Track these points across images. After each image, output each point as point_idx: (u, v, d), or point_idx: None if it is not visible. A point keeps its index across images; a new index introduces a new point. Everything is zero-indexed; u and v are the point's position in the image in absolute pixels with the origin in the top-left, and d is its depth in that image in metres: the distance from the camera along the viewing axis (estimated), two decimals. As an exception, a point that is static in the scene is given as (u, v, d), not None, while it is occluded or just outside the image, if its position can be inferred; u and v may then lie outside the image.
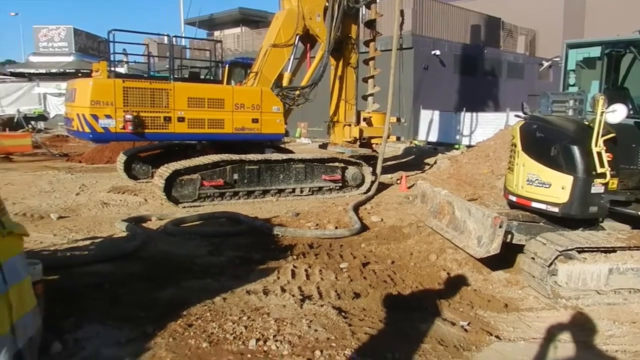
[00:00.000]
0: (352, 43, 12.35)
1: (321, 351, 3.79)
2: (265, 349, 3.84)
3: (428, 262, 6.39)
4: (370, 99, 13.02)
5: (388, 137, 12.14)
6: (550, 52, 30.68)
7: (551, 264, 5.12)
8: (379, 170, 11.61)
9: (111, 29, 10.41)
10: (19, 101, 34.17)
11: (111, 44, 10.51)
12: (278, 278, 5.59)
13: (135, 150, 12.74)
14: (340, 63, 12.49)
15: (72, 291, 4.84)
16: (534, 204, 6.02)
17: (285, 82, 11.59)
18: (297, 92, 11.58)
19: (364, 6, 12.48)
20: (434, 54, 26.31)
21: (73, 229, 7.60)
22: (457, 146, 21.58)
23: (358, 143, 12.45)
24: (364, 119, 12.81)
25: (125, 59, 13.77)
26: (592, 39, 7.17)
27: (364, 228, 8.14)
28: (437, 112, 24.56)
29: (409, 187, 11.36)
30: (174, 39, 12.15)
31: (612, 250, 5.24)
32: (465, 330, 4.45)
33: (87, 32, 41.60)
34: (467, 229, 5.91)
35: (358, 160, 11.63)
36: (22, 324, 1.30)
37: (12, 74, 38.51)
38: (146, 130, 9.83)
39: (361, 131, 12.39)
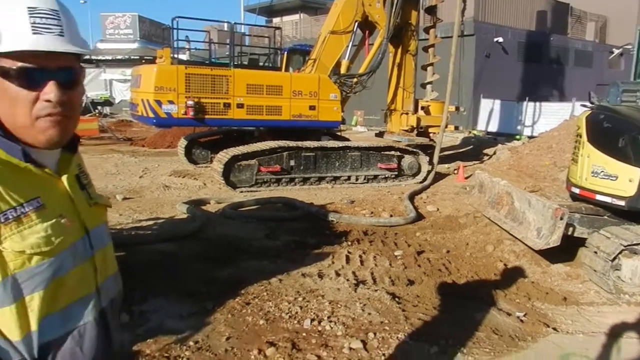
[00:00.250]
0: (411, 30, 12.19)
1: (374, 334, 3.85)
2: (320, 328, 3.93)
3: (484, 252, 6.30)
4: (428, 87, 12.84)
5: (446, 127, 11.96)
6: (622, 39, 28.99)
7: (615, 258, 4.95)
8: (435, 159, 11.47)
9: (175, 17, 10.72)
10: (87, 87, 35.22)
11: (174, 31, 10.83)
12: (332, 262, 5.67)
13: (195, 135, 13.11)
14: (399, 50, 12.36)
15: (138, 267, 5.10)
16: (599, 197, 5.79)
17: (343, 70, 11.59)
18: (355, 80, 11.56)
19: (425, -8, 12.29)
20: (497, 41, 25.50)
21: (137, 210, 7.94)
22: (518, 137, 20.93)
23: (415, 132, 12.33)
24: (422, 108, 12.65)
25: (187, 46, 14.12)
26: (669, 24, 6.78)
27: (419, 217, 8.09)
28: (498, 101, 23.85)
29: (466, 178, 11.17)
30: (234, 26, 12.37)
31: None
32: (521, 321, 4.38)
33: (151, 20, 42.79)
34: (527, 220, 5.78)
35: (415, 149, 11.52)
36: (105, 286, 1.40)
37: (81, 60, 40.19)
38: (206, 116, 10.10)
39: (419, 120, 12.25)
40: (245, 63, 13.08)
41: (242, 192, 9.66)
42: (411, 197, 9.28)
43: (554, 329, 4.28)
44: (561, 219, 5.16)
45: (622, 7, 33.15)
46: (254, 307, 4.28)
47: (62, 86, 1.22)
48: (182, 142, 12.75)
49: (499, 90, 24.41)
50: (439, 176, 11.60)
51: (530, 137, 18.65)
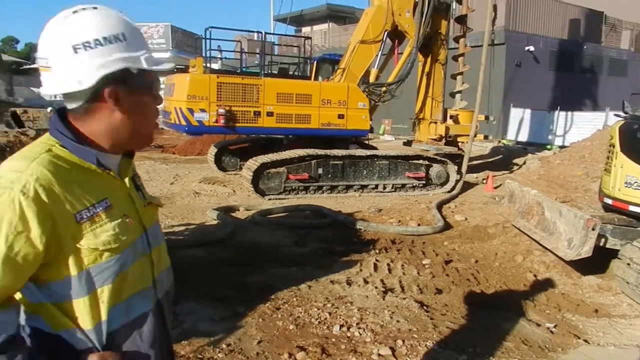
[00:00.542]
0: (441, 39, 12.18)
1: (403, 341, 3.88)
2: (349, 334, 3.99)
3: (514, 263, 6.26)
4: (458, 96, 12.80)
5: (475, 136, 11.89)
6: (659, 48, 28.47)
7: (648, 270, 4.87)
8: (464, 169, 11.41)
9: (208, 27, 10.96)
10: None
11: (207, 41, 11.06)
12: (361, 270, 5.72)
13: (225, 143, 13.32)
14: (429, 59, 12.36)
15: (170, 271, 5.22)
16: (632, 208, 5.71)
17: (372, 79, 11.65)
18: (384, 89, 11.60)
19: (455, 1, 12.27)
20: (528, 49, 25.21)
21: (169, 216, 8.12)
22: (549, 146, 20.61)
23: (444, 141, 12.28)
24: (451, 117, 12.60)
25: (219, 56, 14.38)
26: None
27: (447, 226, 8.07)
28: (528, 111, 23.53)
29: (495, 187, 11.08)
30: (264, 35, 12.57)
31: None
32: (551, 332, 4.35)
33: (183, 30, 43.65)
34: (557, 231, 5.73)
35: (443, 159, 11.49)
36: (160, 279, 1.53)
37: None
38: (237, 124, 10.28)
39: (447, 129, 12.21)
40: (275, 72, 13.26)
41: (270, 199, 9.78)
42: (439, 207, 9.25)
43: (585, 340, 4.24)
44: (593, 229, 5.11)
45: (659, 15, 32.41)
46: (284, 312, 4.36)
47: None
48: (212, 150, 12.97)
49: (530, 100, 24.09)
50: (468, 186, 11.54)
51: (562, 147, 18.35)
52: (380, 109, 12.70)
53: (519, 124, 23.70)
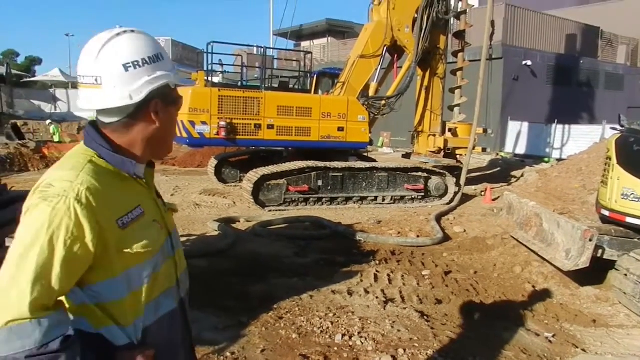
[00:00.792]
0: (440, 54, 12.33)
1: (404, 350, 3.94)
2: (351, 343, 4.05)
3: (512, 274, 6.33)
4: (456, 109, 12.92)
5: (473, 148, 12.00)
6: (655, 62, 28.74)
7: (645, 281, 4.94)
8: (463, 181, 11.50)
9: (210, 42, 11.11)
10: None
11: (209, 55, 11.20)
12: (361, 281, 5.78)
13: (225, 155, 13.42)
14: (427, 73, 12.50)
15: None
16: (629, 219, 5.79)
17: (371, 92, 11.78)
18: (383, 102, 11.73)
19: (453, 17, 12.44)
20: (525, 64, 25.47)
21: (171, 226, 8.17)
22: (546, 159, 20.74)
23: (442, 153, 12.39)
24: (449, 130, 12.73)
25: (220, 69, 14.53)
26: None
27: (446, 238, 8.14)
28: (526, 124, 23.72)
29: (493, 200, 11.16)
30: (265, 50, 12.73)
31: None
32: (550, 341, 4.42)
33: (184, 44, 44.05)
34: (555, 242, 5.81)
35: (442, 171, 11.59)
36: (182, 279, 1.62)
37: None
38: (238, 137, 10.38)
39: (446, 141, 12.33)
40: (276, 86, 13.40)
41: (270, 211, 9.86)
42: (438, 218, 9.33)
43: (583, 350, 4.30)
44: (590, 240, 5.19)
45: (655, 30, 32.76)
46: (286, 322, 4.42)
47: None
48: (212, 162, 13.07)
49: (527, 113, 24.30)
50: (466, 198, 11.62)
51: (559, 160, 18.49)
52: (379, 122, 12.83)
53: (517, 136, 23.87)
